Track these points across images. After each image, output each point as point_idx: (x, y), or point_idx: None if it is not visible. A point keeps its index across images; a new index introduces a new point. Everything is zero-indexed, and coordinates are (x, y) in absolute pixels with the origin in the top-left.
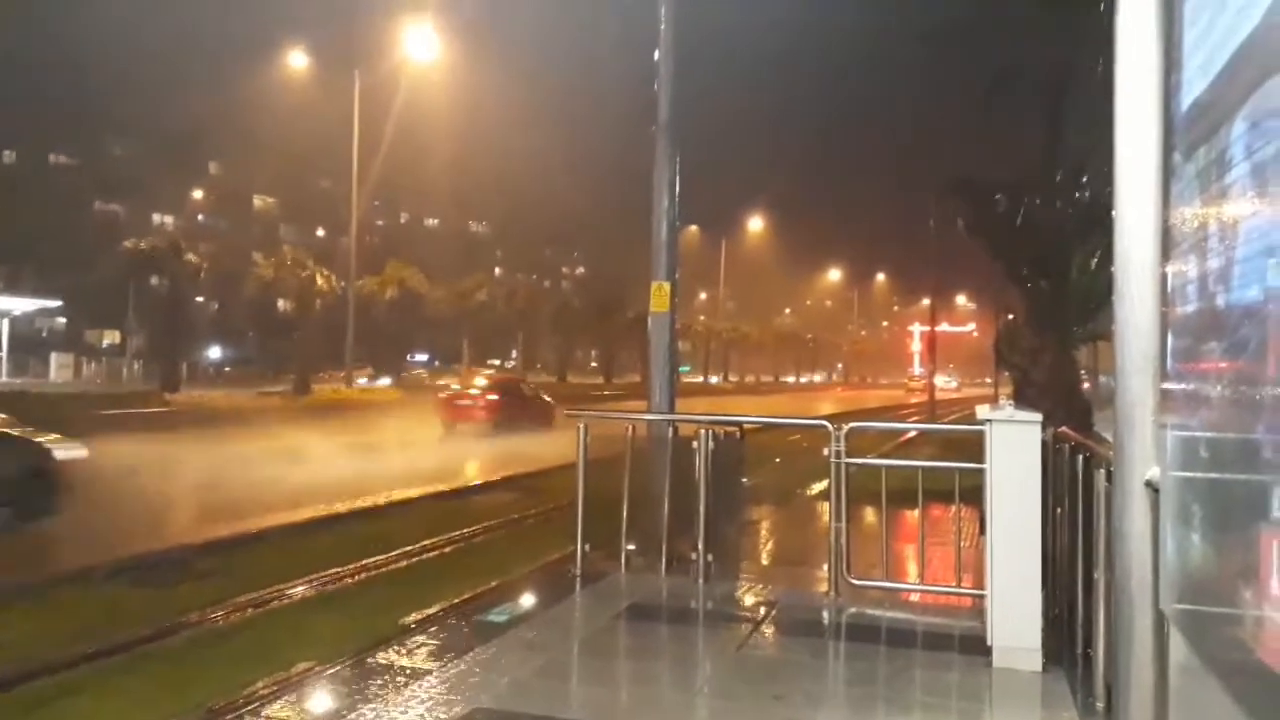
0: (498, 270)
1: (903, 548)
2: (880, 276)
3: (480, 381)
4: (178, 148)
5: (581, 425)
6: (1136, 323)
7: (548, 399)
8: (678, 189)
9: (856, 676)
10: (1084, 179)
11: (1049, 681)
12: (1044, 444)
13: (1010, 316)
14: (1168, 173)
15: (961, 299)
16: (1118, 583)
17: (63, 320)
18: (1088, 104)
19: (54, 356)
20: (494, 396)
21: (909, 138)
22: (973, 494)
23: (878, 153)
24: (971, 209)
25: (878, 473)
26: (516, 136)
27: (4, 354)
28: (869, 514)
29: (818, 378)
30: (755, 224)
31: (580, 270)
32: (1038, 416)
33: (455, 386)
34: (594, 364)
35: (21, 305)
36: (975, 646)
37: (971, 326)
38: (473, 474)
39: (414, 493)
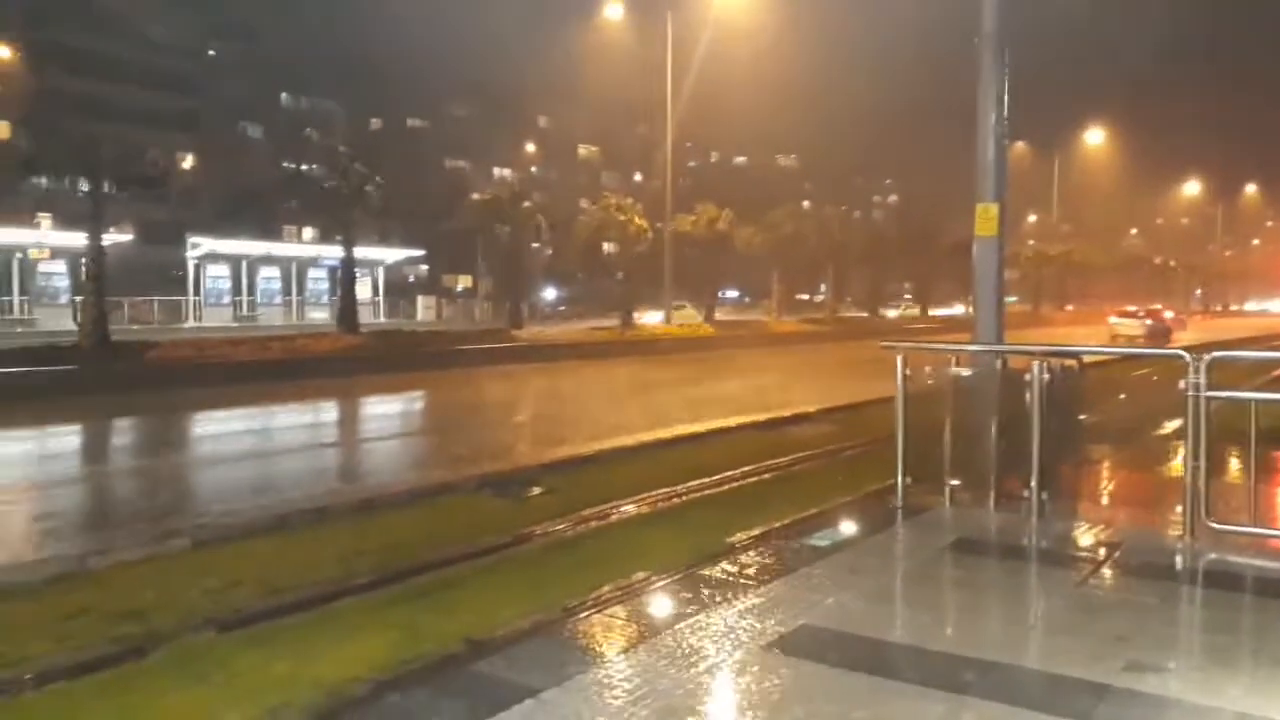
0: (806, 203)
1: (1275, 492)
2: (1250, 188)
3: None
4: (511, 105)
5: (900, 357)
6: None
7: None
8: (1006, 103)
9: (1215, 624)
10: None
11: None
12: None
13: None
14: None
15: None
16: None
17: (425, 268)
18: None
19: (419, 299)
20: None
21: None
22: None
23: (1245, 40)
24: None
25: (1242, 411)
26: (825, 64)
27: (381, 298)
28: (1231, 455)
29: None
30: (1094, 136)
31: (892, 198)
32: None
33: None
34: (907, 296)
35: (393, 255)
36: None
37: None
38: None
39: (733, 421)
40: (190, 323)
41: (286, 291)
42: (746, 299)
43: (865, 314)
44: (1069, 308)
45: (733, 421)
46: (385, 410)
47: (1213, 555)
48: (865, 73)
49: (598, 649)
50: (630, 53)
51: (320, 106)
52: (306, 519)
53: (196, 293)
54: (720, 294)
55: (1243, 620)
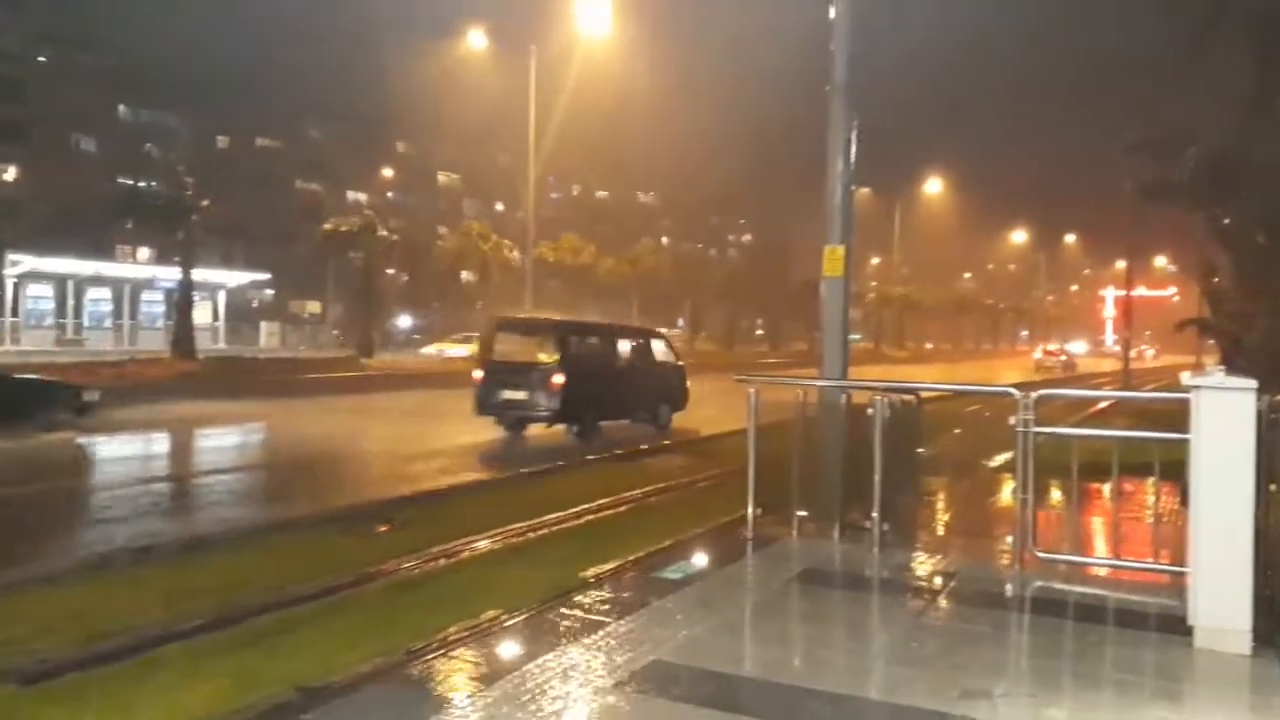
0: (665, 239)
1: (1092, 522)
2: (1070, 238)
3: None
4: (368, 129)
5: (752, 390)
6: None
7: None
8: (854, 151)
9: (1042, 650)
10: None
11: (1258, 665)
12: (1258, 414)
13: (1215, 279)
14: None
15: (1161, 260)
16: None
17: (270, 292)
18: None
19: (263, 325)
20: None
21: (1105, 88)
22: (1170, 468)
23: (1069, 106)
24: (1160, 168)
25: (1065, 445)
26: (684, 105)
27: (222, 323)
28: (1056, 487)
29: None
30: (932, 185)
31: (747, 238)
32: (1252, 383)
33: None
34: (759, 332)
35: (236, 278)
36: (1174, 625)
37: (1172, 290)
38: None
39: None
40: (6, 345)
41: (118, 314)
42: None
43: (721, 348)
44: (929, 345)
45: (591, 454)
46: (219, 443)
47: (1039, 583)
48: (723, 116)
49: (441, 693)
50: (493, 82)
51: (162, 121)
52: (131, 559)
53: (15, 314)
54: None
55: (1066, 645)
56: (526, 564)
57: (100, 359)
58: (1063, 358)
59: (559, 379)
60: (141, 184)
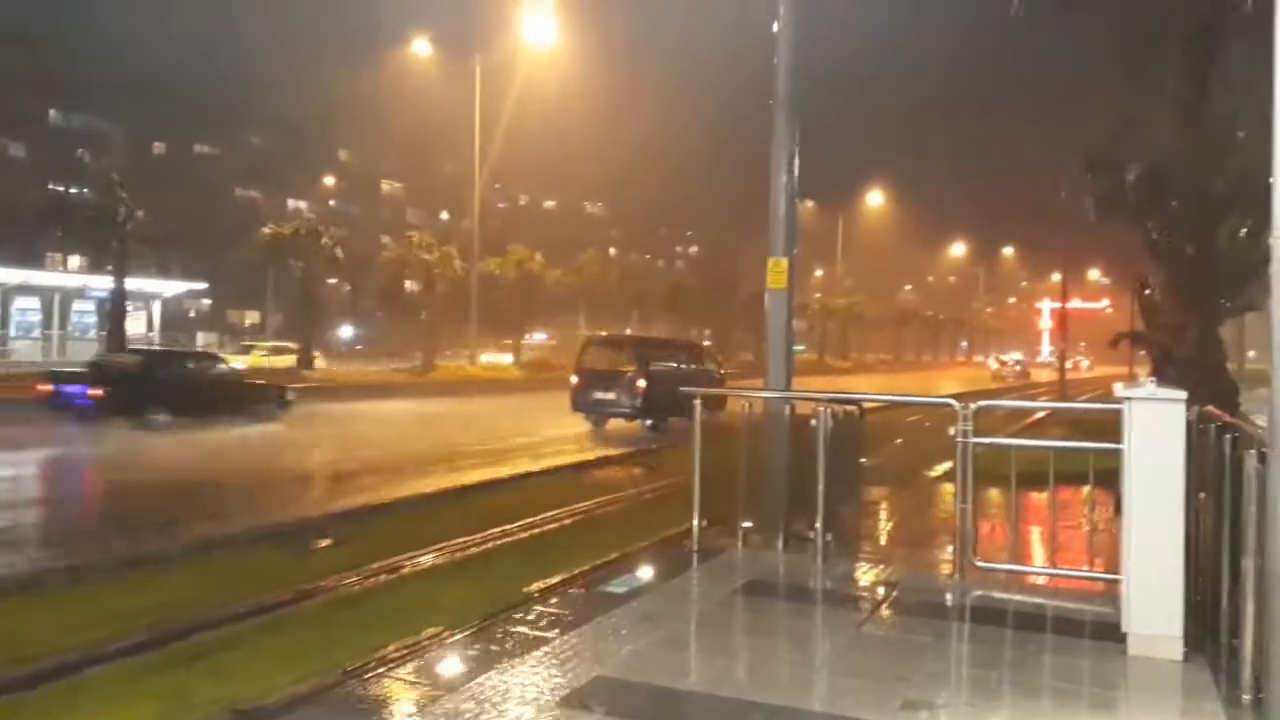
0: (612, 250)
1: (1030, 531)
2: (1008, 250)
3: None
4: (310, 136)
5: (696, 402)
6: None
7: None
8: (797, 163)
9: (982, 659)
10: (1237, 136)
11: (1190, 671)
12: (1188, 424)
13: (1147, 291)
14: None
15: (1095, 273)
16: (1268, 569)
17: (208, 302)
18: (1241, 58)
19: (200, 336)
20: None
21: (1041, 105)
22: (1105, 476)
23: (1007, 122)
24: (1107, 182)
25: (1004, 455)
26: (631, 116)
27: (157, 333)
28: (995, 496)
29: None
30: (875, 198)
31: (694, 249)
32: (1182, 394)
33: None
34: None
35: (172, 288)
36: (1109, 633)
37: (1105, 303)
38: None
39: (537, 466)
40: None
41: (47, 324)
42: (555, 342)
43: None
44: (872, 356)
45: (536, 466)
46: (150, 457)
47: (979, 592)
48: (670, 128)
49: (379, 714)
50: (438, 91)
51: (95, 126)
52: (62, 578)
53: None
54: (529, 337)
55: (1004, 654)
56: (470, 579)
57: (28, 370)
58: (1017, 368)
59: (643, 383)
60: (73, 190)
